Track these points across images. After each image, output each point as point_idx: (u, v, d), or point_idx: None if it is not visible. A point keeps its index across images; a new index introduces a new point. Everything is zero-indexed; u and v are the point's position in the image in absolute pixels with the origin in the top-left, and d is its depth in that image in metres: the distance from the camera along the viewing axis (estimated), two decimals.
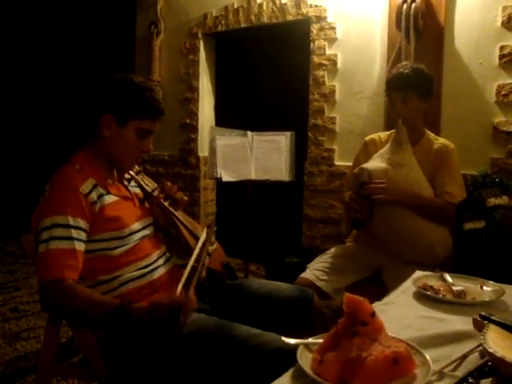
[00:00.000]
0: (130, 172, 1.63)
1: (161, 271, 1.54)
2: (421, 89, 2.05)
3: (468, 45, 2.76)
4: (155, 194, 1.63)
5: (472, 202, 2.35)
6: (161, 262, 1.57)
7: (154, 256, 1.55)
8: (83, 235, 1.38)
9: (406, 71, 2.04)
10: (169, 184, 1.65)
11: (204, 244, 1.49)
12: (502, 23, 2.64)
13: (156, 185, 1.68)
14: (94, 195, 1.41)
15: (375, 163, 2.01)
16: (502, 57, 2.65)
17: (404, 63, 2.17)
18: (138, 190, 1.66)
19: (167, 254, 1.65)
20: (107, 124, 1.46)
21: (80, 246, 1.36)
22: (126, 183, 1.62)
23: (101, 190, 1.44)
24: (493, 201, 2.29)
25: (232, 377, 1.28)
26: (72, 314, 1.35)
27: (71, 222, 1.35)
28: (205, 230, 1.58)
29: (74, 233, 1.35)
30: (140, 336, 1.37)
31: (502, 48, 2.65)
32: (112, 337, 1.40)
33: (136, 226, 1.52)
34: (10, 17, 4.91)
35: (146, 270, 1.50)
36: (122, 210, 1.49)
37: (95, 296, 1.35)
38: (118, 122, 1.46)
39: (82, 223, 1.37)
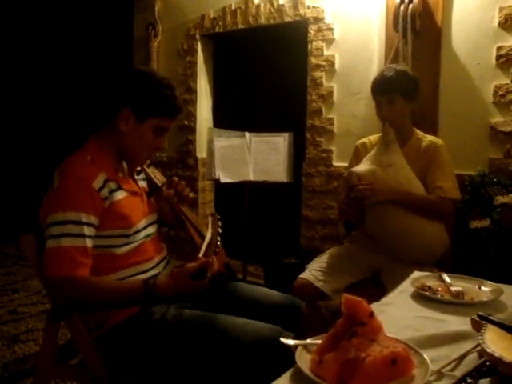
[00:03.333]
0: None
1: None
2: (405, 90, 2.07)
3: (465, 45, 2.76)
4: (164, 188, 1.63)
5: (477, 199, 2.34)
6: (161, 267, 1.57)
7: (156, 260, 1.55)
8: (93, 232, 1.36)
9: (390, 74, 2.07)
10: (176, 179, 1.64)
11: (213, 226, 1.56)
12: (499, 24, 2.64)
13: (165, 179, 1.68)
14: (105, 191, 1.38)
15: (364, 166, 2.03)
16: (499, 57, 2.65)
17: (388, 65, 2.20)
18: (144, 184, 1.65)
19: (167, 257, 1.65)
20: (125, 118, 1.44)
21: (90, 243, 1.35)
22: (135, 176, 1.60)
23: (112, 186, 1.42)
24: (500, 199, 2.27)
25: (224, 370, 1.31)
26: (91, 307, 1.36)
27: (84, 218, 1.33)
28: (210, 220, 1.61)
29: (86, 230, 1.33)
30: (130, 333, 1.38)
31: (498, 48, 2.65)
32: (104, 336, 1.40)
33: (142, 223, 1.50)
34: (11, 18, 4.91)
35: (145, 275, 1.47)
36: (131, 207, 1.46)
37: (115, 283, 1.38)
38: (137, 118, 1.44)
39: (93, 220, 1.35)
